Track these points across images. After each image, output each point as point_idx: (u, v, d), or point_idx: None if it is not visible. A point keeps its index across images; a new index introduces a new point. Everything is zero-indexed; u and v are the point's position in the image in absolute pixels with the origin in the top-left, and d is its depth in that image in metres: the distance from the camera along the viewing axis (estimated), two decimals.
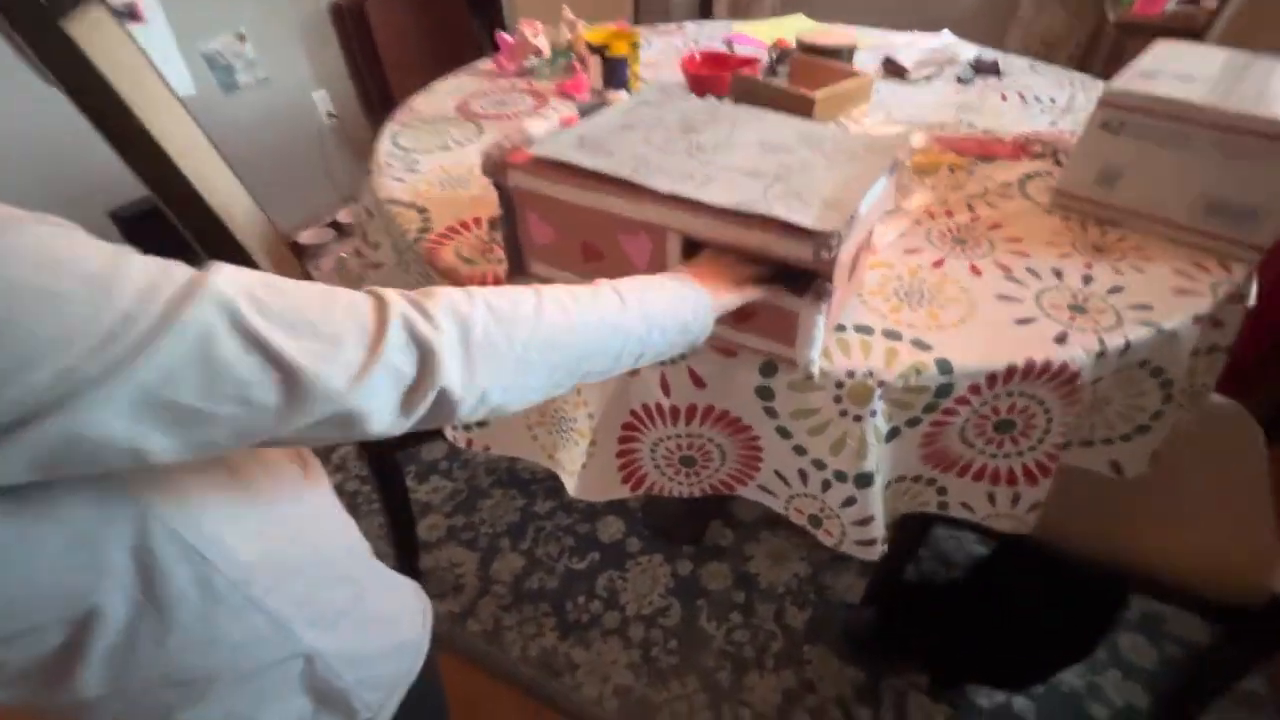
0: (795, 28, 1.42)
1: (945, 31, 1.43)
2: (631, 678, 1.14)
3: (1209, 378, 0.78)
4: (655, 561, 1.32)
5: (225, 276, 0.28)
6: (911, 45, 1.32)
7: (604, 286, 0.45)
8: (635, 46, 0.96)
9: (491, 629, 1.21)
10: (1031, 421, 0.64)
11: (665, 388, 0.64)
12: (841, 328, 0.63)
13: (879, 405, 0.60)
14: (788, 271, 0.53)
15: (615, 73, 0.95)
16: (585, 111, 0.67)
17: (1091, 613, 0.98)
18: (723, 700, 1.11)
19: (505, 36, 1.25)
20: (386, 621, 0.51)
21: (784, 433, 0.64)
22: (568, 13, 1.19)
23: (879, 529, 0.66)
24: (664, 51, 1.36)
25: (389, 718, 0.50)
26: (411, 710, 0.51)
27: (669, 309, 0.47)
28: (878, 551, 0.67)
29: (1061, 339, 0.62)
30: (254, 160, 1.99)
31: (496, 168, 0.59)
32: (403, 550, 1.23)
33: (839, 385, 0.59)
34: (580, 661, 1.16)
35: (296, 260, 1.23)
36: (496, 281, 0.69)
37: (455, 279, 0.71)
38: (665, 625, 1.21)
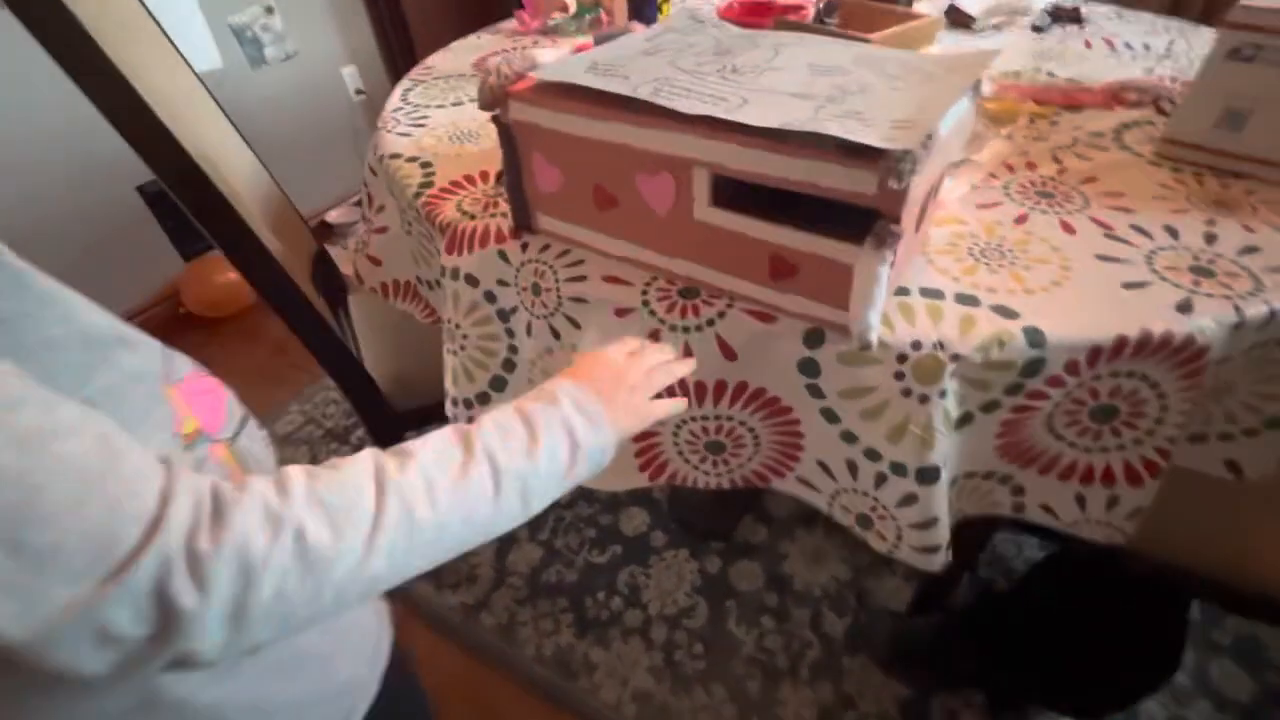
0: None
1: None
2: (653, 682, 1.05)
3: None
4: (681, 557, 1.23)
5: None
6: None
7: (477, 461, 0.34)
8: None
9: (505, 623, 1.14)
10: (1140, 408, 0.52)
11: None
12: (904, 291, 0.52)
13: (950, 385, 0.49)
14: (839, 212, 0.43)
15: (643, 11, 0.86)
16: (602, 40, 0.58)
17: (1168, 627, 0.85)
18: (752, 712, 1.02)
19: None
20: (316, 661, 0.41)
21: (831, 416, 0.54)
22: None
23: (943, 534, 0.55)
24: (699, 7, 1.25)
25: None
26: None
27: (559, 472, 0.37)
28: (940, 561, 0.57)
29: (1185, 307, 0.50)
30: (282, 137, 1.97)
31: (495, 98, 0.51)
32: None
33: (901, 359, 0.48)
34: (598, 662, 1.08)
35: (311, 235, 1.17)
36: (499, 237, 0.61)
37: (455, 233, 0.62)
38: (690, 627, 1.12)
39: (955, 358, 0.48)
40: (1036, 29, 1.09)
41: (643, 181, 0.49)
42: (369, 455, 0.33)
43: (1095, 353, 0.48)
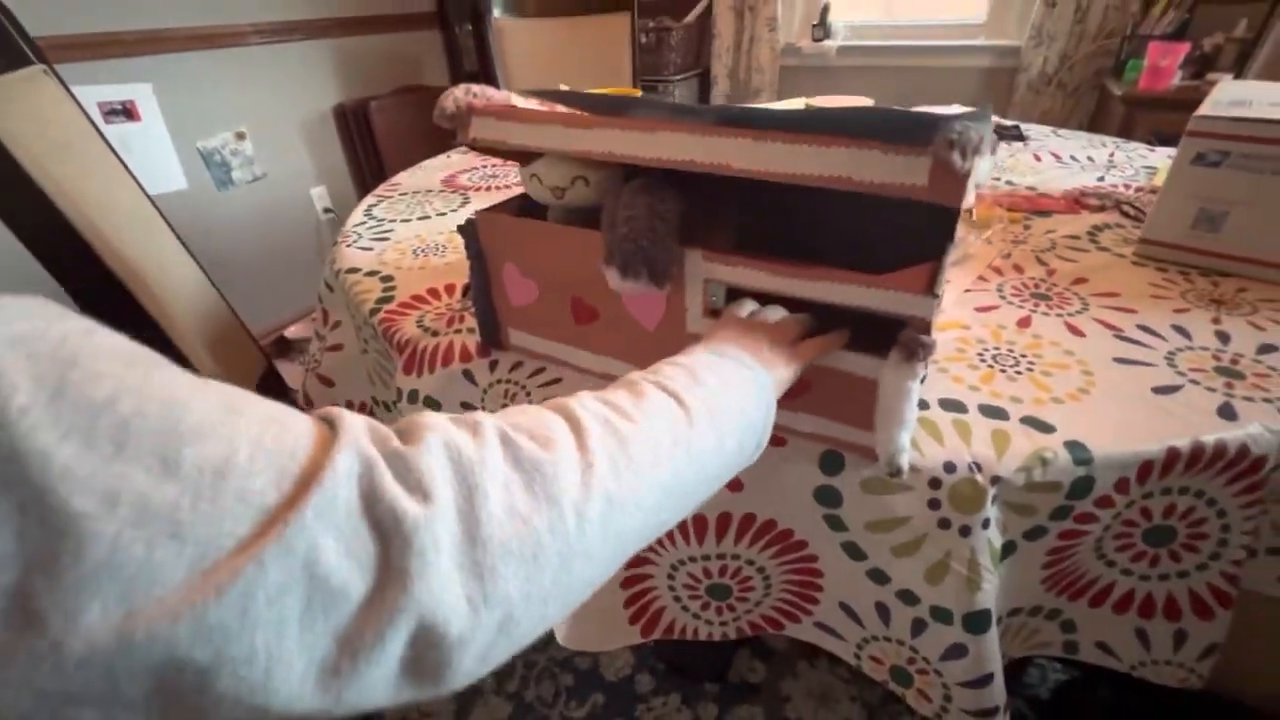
0: (799, 105, 1.38)
1: (954, 106, 1.38)
2: None
3: None
4: (672, 705, 1.07)
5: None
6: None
7: (644, 386, 0.30)
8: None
9: None
10: (1200, 529, 0.46)
11: None
12: (922, 404, 0.47)
13: (992, 512, 0.42)
14: (857, 324, 0.38)
15: None
16: None
17: None
18: None
19: None
20: None
21: (855, 551, 0.46)
22: (564, 87, 1.14)
23: (999, 693, 0.46)
24: None
25: None
26: None
27: (735, 402, 0.32)
28: None
29: (1227, 412, 0.45)
30: (245, 255, 1.93)
31: (457, 112, 0.45)
32: None
33: (935, 484, 0.42)
34: None
35: (260, 352, 1.10)
36: (464, 355, 0.54)
37: (414, 352, 0.56)
38: None
39: (995, 480, 0.42)
40: None
41: (628, 295, 0.44)
42: None
43: (1146, 468, 0.43)
